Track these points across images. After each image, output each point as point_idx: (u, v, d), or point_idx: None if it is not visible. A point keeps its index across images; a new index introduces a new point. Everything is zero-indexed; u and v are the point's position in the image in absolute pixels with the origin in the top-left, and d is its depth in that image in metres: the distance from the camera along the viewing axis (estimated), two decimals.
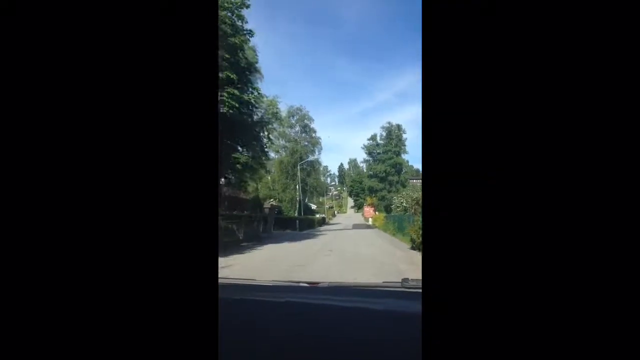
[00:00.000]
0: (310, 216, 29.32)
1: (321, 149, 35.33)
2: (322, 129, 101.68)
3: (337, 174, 77.94)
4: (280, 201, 31.76)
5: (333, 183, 76.05)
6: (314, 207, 44.80)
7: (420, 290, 0.50)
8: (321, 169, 56.53)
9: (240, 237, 12.09)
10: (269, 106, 13.61)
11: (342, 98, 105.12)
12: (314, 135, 34.53)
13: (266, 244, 11.30)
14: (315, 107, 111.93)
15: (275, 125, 14.22)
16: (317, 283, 1.09)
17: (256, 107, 12.22)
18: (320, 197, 50.60)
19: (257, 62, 12.66)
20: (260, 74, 14.48)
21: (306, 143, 34.08)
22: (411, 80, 75.28)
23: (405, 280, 0.99)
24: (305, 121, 34.15)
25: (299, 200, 30.41)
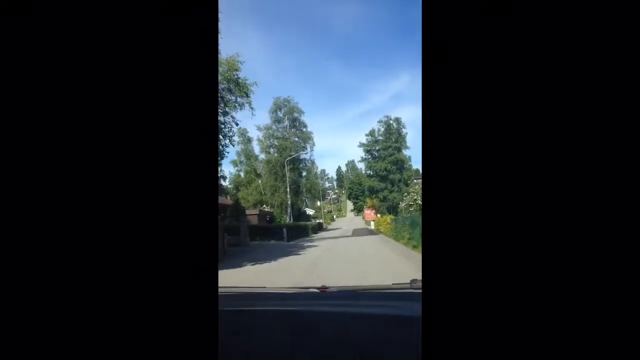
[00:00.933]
0: (302, 222, 25.26)
1: (314, 145, 31.37)
2: (317, 134, 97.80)
3: (335, 177, 74.27)
4: (272, 206, 27.90)
5: (330, 185, 72.26)
6: (311, 212, 40.91)
7: None
8: (318, 171, 52.78)
9: None
10: (227, 70, 9.61)
11: (337, 103, 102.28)
12: (304, 130, 30.57)
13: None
14: (309, 112, 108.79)
15: (239, 99, 10.08)
16: (327, 288, 1.10)
17: None
18: (318, 201, 46.81)
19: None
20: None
21: (296, 139, 30.11)
22: (406, 81, 72.42)
23: (414, 281, 1.01)
24: (295, 114, 30.21)
25: (290, 204, 26.38)
